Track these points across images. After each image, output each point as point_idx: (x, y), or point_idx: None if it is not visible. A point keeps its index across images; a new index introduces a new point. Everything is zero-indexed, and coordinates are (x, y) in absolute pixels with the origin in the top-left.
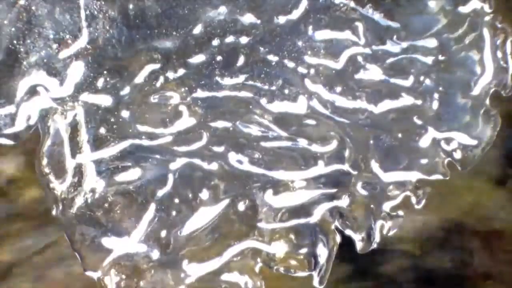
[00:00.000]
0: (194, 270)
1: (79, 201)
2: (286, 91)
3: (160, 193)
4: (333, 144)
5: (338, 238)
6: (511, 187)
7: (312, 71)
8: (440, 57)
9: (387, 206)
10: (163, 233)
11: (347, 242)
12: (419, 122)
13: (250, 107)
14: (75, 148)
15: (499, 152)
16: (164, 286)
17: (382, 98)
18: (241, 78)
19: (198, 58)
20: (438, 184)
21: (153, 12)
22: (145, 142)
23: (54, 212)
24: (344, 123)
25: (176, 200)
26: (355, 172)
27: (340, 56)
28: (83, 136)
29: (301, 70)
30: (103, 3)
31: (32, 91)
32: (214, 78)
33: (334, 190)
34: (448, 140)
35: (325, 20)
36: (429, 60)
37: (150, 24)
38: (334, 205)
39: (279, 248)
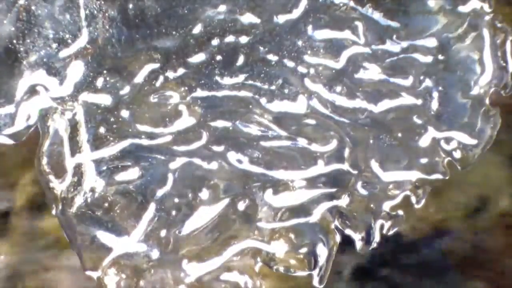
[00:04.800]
0: (194, 270)
1: (79, 201)
2: (286, 91)
3: (160, 192)
4: (333, 144)
5: (338, 238)
6: None
7: (312, 70)
8: (440, 57)
9: (387, 206)
10: (163, 233)
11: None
12: (419, 122)
13: (250, 106)
14: (75, 148)
15: None
16: (164, 286)
17: (382, 98)
18: (241, 78)
19: (198, 58)
20: None
21: (153, 12)
22: (145, 142)
23: (54, 212)
24: (344, 123)
25: (176, 200)
26: (355, 172)
27: (340, 55)
28: (83, 136)
29: (301, 69)
30: (103, 3)
31: (32, 91)
32: (214, 78)
33: (334, 190)
34: (448, 140)
35: (325, 19)
36: (429, 59)
37: (150, 24)
38: (334, 205)
39: (279, 248)
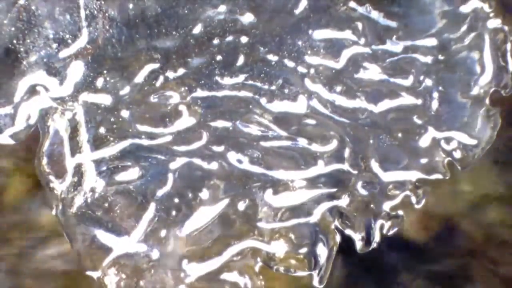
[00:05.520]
0: (194, 270)
1: (79, 201)
2: (286, 91)
3: (160, 192)
4: (333, 144)
5: (338, 238)
6: None
7: (312, 71)
8: (440, 57)
9: (387, 206)
10: (163, 233)
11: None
12: (419, 122)
13: (250, 106)
14: (75, 148)
15: None
16: (164, 285)
17: (382, 98)
18: (241, 78)
19: (198, 58)
20: None
21: (153, 12)
22: (145, 142)
23: (54, 212)
24: (344, 123)
25: (176, 200)
26: (355, 172)
27: (340, 55)
28: (83, 136)
29: (301, 69)
30: (103, 3)
31: (32, 91)
32: (214, 78)
33: (334, 190)
34: (448, 140)
35: (325, 19)
36: (429, 59)
37: (150, 24)
38: (334, 205)
39: (279, 248)
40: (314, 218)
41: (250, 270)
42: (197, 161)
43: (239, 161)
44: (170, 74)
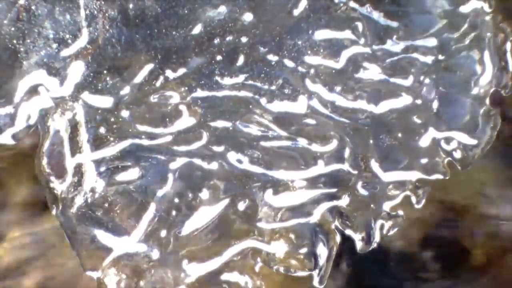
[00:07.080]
0: (194, 270)
1: (79, 201)
2: (286, 91)
3: (160, 192)
4: (333, 144)
5: (338, 238)
6: None
7: (312, 71)
8: (440, 57)
9: (387, 206)
10: (163, 233)
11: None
12: (419, 121)
13: (250, 106)
14: (75, 148)
15: None
16: (164, 286)
17: (382, 98)
18: (241, 78)
19: (198, 58)
20: None
21: (153, 12)
22: (145, 142)
23: (54, 212)
24: (344, 123)
25: (176, 200)
26: (355, 172)
27: (340, 55)
28: (83, 136)
29: (301, 69)
30: (103, 3)
31: (32, 91)
32: (214, 78)
33: (334, 190)
34: (448, 140)
35: (325, 20)
36: (429, 59)
37: (150, 24)
38: (334, 205)
39: (279, 248)
40: (314, 218)
41: (250, 270)
42: (197, 161)
43: (239, 161)
44: (170, 74)
